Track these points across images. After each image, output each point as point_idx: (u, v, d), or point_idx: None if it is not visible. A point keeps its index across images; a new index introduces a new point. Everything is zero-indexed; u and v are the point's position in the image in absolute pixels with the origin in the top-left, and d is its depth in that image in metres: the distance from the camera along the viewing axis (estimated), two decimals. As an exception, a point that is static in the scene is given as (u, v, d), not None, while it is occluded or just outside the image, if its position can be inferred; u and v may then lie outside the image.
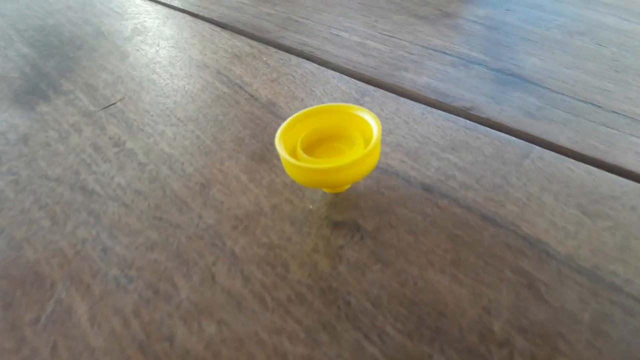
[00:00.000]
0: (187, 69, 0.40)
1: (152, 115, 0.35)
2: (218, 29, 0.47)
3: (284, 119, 0.35)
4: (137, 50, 0.42)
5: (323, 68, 0.41)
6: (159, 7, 0.50)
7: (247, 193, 0.29)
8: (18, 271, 0.25)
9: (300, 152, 0.27)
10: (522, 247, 0.26)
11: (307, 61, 0.42)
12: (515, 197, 0.29)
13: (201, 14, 0.50)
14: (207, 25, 0.47)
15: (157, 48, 0.42)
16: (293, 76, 0.40)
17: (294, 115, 0.29)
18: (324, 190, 0.30)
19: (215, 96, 0.37)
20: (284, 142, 0.27)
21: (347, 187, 0.30)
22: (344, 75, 0.41)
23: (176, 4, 0.51)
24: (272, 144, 0.33)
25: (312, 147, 0.29)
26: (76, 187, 0.29)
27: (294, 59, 0.43)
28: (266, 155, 0.32)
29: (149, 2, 0.51)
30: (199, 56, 0.42)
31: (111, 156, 0.31)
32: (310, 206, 0.28)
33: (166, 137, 0.33)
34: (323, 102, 0.37)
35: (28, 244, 0.26)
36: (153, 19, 0.47)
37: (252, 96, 0.38)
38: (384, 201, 0.29)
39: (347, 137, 0.30)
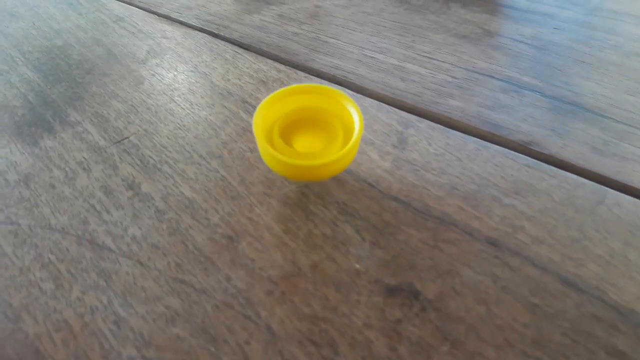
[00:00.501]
0: (208, 97, 0.35)
1: (170, 152, 0.30)
2: (241, 50, 0.42)
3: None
4: (153, 75, 0.38)
5: (359, 95, 0.37)
6: (176, 26, 0.46)
7: (281, 248, 0.24)
8: (15, 349, 0.20)
9: (276, 136, 0.26)
10: (613, 319, 0.21)
11: (340, 87, 0.38)
12: (595, 254, 0.24)
13: (222, 33, 0.45)
14: (228, 46, 0.43)
15: (175, 72, 0.38)
16: (326, 104, 0.36)
17: (277, 91, 0.28)
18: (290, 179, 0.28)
19: (240, 129, 0.33)
20: (262, 120, 0.26)
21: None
22: (382, 104, 0.36)
23: (194, 22, 0.47)
24: (308, 186, 0.28)
25: (290, 129, 0.28)
26: (84, 240, 0.25)
27: (326, 85, 0.38)
28: (301, 200, 0.27)
29: (164, 21, 0.47)
30: (221, 82, 0.37)
31: (124, 202, 0.27)
32: (357, 265, 0.23)
33: (187, 177, 0.29)
34: (363, 136, 0.32)
35: (27, 313, 0.21)
36: (169, 39, 0.43)
37: (282, 128, 0.33)
38: (444, 259, 0.24)
39: (327, 124, 0.28)
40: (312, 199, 0.28)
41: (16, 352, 0.20)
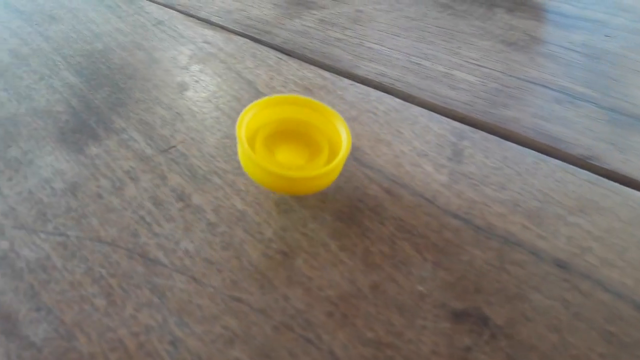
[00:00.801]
0: (262, 99, 0.34)
1: (219, 162, 0.29)
2: (284, 56, 0.41)
3: (370, 167, 0.29)
4: (197, 81, 0.37)
5: (407, 104, 0.36)
6: (216, 30, 0.45)
7: (338, 266, 0.23)
8: (67, 371, 0.19)
9: (259, 142, 0.26)
10: None
11: (388, 95, 0.37)
12: (675, 279, 0.23)
13: (264, 39, 0.44)
14: (271, 52, 0.42)
15: (219, 79, 0.37)
16: (375, 114, 0.35)
17: (264, 99, 0.27)
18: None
19: (289, 137, 0.32)
20: (246, 124, 0.26)
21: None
22: (433, 113, 0.35)
23: (234, 27, 0.46)
24: (362, 200, 0.27)
25: (274, 138, 0.27)
26: (135, 253, 0.24)
27: (373, 93, 0.37)
28: (356, 215, 0.26)
29: (204, 25, 0.46)
30: (266, 89, 0.36)
31: (175, 214, 0.26)
32: (420, 287, 0.22)
33: (237, 189, 0.28)
34: (413, 145, 0.31)
35: (80, 331, 0.21)
36: (211, 44, 0.42)
37: (332, 138, 0.32)
38: (511, 283, 0.23)
39: (313, 140, 0.28)
40: (367, 214, 0.26)
41: (71, 373, 0.20)
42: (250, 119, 0.26)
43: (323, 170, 0.24)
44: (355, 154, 0.31)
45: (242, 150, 0.24)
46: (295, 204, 0.27)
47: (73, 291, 0.22)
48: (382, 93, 0.37)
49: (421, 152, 0.31)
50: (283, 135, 0.28)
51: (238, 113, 0.34)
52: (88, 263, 0.24)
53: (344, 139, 0.26)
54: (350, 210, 0.27)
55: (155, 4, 0.53)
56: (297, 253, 0.24)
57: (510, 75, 0.40)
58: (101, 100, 0.35)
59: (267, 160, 0.26)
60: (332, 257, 0.24)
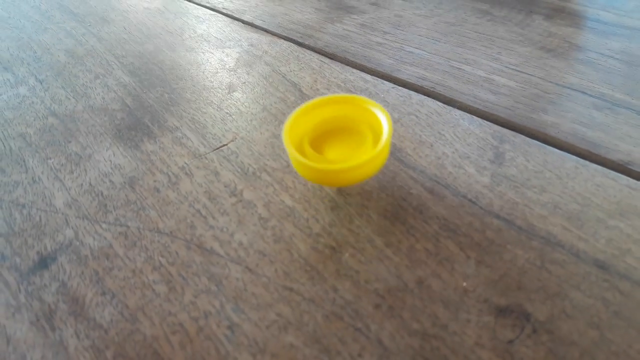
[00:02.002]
0: (300, 106, 0.36)
1: (268, 160, 0.31)
2: (327, 60, 0.43)
3: (413, 168, 0.30)
4: (244, 83, 0.38)
5: (449, 107, 0.37)
6: (261, 33, 0.47)
7: (384, 261, 0.24)
8: (135, 349, 0.21)
9: (307, 146, 0.27)
10: None
11: (429, 98, 0.38)
12: None
13: (306, 42, 0.46)
14: (314, 55, 0.43)
15: (265, 81, 0.39)
16: (417, 116, 0.36)
17: (303, 106, 0.28)
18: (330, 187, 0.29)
19: (333, 138, 0.33)
20: (290, 133, 0.27)
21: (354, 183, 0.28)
22: (474, 117, 0.36)
23: (278, 30, 0.48)
24: (406, 199, 0.28)
25: (320, 140, 0.28)
26: (192, 244, 0.25)
27: (415, 96, 0.38)
28: (400, 214, 0.27)
29: (249, 28, 0.48)
30: (310, 92, 0.38)
31: (228, 208, 0.27)
32: (464, 283, 0.23)
33: (285, 186, 0.29)
34: (455, 148, 0.32)
35: (144, 315, 0.22)
36: (256, 47, 0.44)
37: (375, 139, 0.33)
38: (552, 281, 0.23)
39: (356, 131, 0.29)
40: (411, 213, 0.27)
41: (136, 353, 0.21)
42: (291, 130, 0.27)
43: (369, 155, 0.25)
44: (398, 155, 0.32)
45: (292, 156, 0.26)
46: (341, 201, 0.28)
47: (135, 278, 0.24)
48: (424, 96, 0.38)
49: (463, 155, 0.32)
50: (327, 135, 0.29)
51: (284, 114, 0.36)
52: (148, 252, 0.25)
53: (384, 122, 0.27)
54: (395, 209, 0.28)
55: (202, 7, 0.55)
56: (344, 248, 0.25)
57: (550, 82, 0.41)
58: (154, 100, 0.37)
59: (318, 161, 0.27)
60: (378, 253, 0.25)
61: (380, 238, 0.26)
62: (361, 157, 0.25)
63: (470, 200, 0.28)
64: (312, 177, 0.26)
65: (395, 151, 0.32)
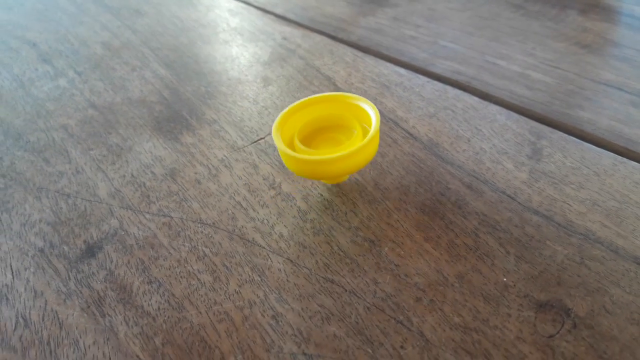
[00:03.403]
0: (289, 106, 0.36)
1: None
2: (360, 53, 0.43)
3: (451, 163, 0.30)
4: (279, 76, 0.39)
5: (485, 102, 0.37)
6: (293, 26, 0.47)
7: (424, 256, 0.25)
8: (183, 337, 0.21)
9: (297, 143, 0.27)
10: None
11: (465, 93, 0.38)
12: None
13: (339, 36, 0.46)
14: (348, 49, 0.44)
15: (299, 75, 0.39)
16: (453, 111, 0.36)
17: (292, 105, 0.29)
18: (324, 181, 0.29)
19: (369, 132, 0.33)
20: (281, 132, 0.27)
21: (345, 178, 0.29)
22: (511, 112, 0.36)
23: (310, 24, 0.48)
24: (444, 194, 0.28)
25: (310, 137, 0.29)
26: (235, 235, 0.26)
27: (450, 90, 0.38)
28: (439, 209, 0.27)
29: (282, 21, 0.48)
30: (344, 85, 0.38)
31: (268, 200, 0.28)
32: (505, 278, 0.23)
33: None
34: (493, 143, 0.32)
35: (190, 304, 0.23)
36: (289, 40, 0.44)
37: (411, 134, 0.33)
38: (591, 277, 0.23)
39: (345, 127, 0.29)
40: (450, 208, 0.28)
41: (184, 340, 0.22)
42: (283, 126, 0.28)
43: (354, 147, 0.25)
44: (435, 150, 0.32)
45: (282, 151, 0.26)
46: (378, 195, 0.29)
47: (180, 267, 0.25)
48: (459, 91, 0.38)
49: (501, 150, 0.32)
50: (317, 133, 0.30)
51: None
52: (192, 242, 0.26)
53: (372, 115, 0.27)
54: (433, 204, 0.28)
55: (234, 0, 0.55)
56: (383, 241, 0.26)
57: (586, 78, 0.41)
58: (191, 93, 0.38)
59: (306, 153, 0.27)
60: (417, 247, 0.26)
61: (420, 233, 0.26)
62: (349, 147, 0.26)
63: (509, 196, 0.28)
64: (302, 170, 0.26)
65: (432, 146, 0.32)
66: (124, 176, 0.30)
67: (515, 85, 0.39)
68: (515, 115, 0.35)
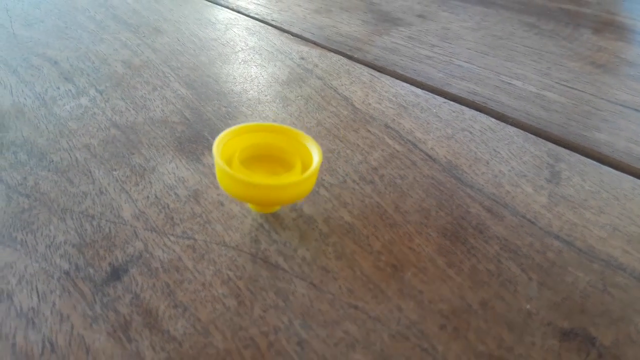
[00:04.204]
0: (352, 120, 0.37)
1: (324, 175, 0.31)
2: (377, 73, 0.43)
3: (470, 186, 0.31)
4: (297, 97, 0.39)
5: (502, 124, 0.37)
6: (310, 46, 0.48)
7: (447, 282, 0.25)
8: (207, 363, 0.22)
9: (236, 163, 0.27)
10: None
11: (481, 114, 0.38)
12: None
13: (356, 55, 0.46)
14: (364, 68, 0.44)
15: (318, 96, 0.39)
16: (470, 132, 0.36)
17: (237, 126, 0.29)
18: (251, 207, 0.30)
19: (388, 155, 0.34)
20: (223, 149, 0.27)
21: (275, 209, 0.29)
22: (528, 134, 0.36)
23: (326, 43, 0.48)
24: (465, 218, 0.28)
25: (249, 162, 0.29)
26: (258, 258, 0.26)
27: (467, 111, 0.38)
28: (460, 233, 0.27)
29: (298, 40, 0.49)
30: (362, 106, 0.38)
31: (289, 223, 0.28)
32: (528, 306, 0.24)
33: (343, 201, 0.30)
34: (512, 166, 0.32)
35: (216, 329, 0.23)
36: (307, 60, 0.45)
37: (429, 156, 0.33)
38: (615, 305, 0.23)
39: (286, 161, 0.29)
40: (471, 232, 0.28)
41: (211, 366, 0.22)
42: (224, 145, 0.28)
43: (294, 178, 0.26)
44: (454, 172, 0.32)
45: (219, 168, 0.26)
46: (399, 218, 0.29)
47: (205, 291, 0.25)
48: (476, 112, 0.39)
49: (519, 173, 0.32)
50: (258, 159, 0.30)
51: (339, 129, 0.37)
52: (216, 265, 0.26)
53: (315, 156, 0.28)
54: (454, 228, 0.28)
55: (251, 19, 0.56)
56: (406, 267, 0.26)
57: (602, 98, 0.41)
58: (212, 113, 0.38)
59: (244, 174, 0.27)
60: (440, 273, 0.26)
61: (442, 258, 0.26)
62: (288, 179, 0.26)
63: (529, 220, 0.29)
64: (235, 191, 0.26)
65: (451, 168, 0.32)
66: (148, 197, 0.30)
67: (531, 106, 0.39)
68: (532, 137, 0.35)
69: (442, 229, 0.28)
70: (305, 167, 0.28)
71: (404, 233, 0.28)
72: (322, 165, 0.33)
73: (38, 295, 0.25)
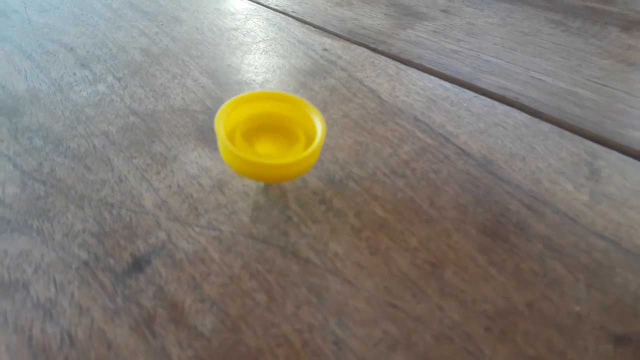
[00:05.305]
0: (380, 113, 0.35)
1: (353, 167, 0.30)
2: (403, 66, 0.42)
3: (508, 182, 0.29)
4: (323, 87, 0.38)
5: (536, 119, 0.35)
6: (333, 38, 0.46)
7: (490, 281, 0.23)
8: (238, 362, 0.20)
9: (239, 136, 0.26)
10: None
11: (514, 109, 0.36)
12: None
13: (380, 48, 0.45)
14: (390, 61, 0.43)
15: (344, 88, 0.38)
16: (504, 127, 0.34)
17: (240, 96, 0.28)
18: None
19: (419, 148, 0.32)
20: (225, 120, 0.26)
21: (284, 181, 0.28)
22: (563, 130, 0.34)
23: (349, 35, 0.47)
24: (504, 215, 0.27)
25: (252, 132, 0.28)
26: (288, 252, 0.24)
27: (499, 106, 0.37)
28: (500, 231, 0.26)
29: (321, 32, 0.47)
30: (389, 98, 0.37)
31: (319, 216, 0.26)
32: (577, 308, 0.22)
33: (374, 195, 0.28)
34: (549, 162, 0.31)
35: (246, 325, 0.21)
36: (330, 52, 0.43)
37: (463, 150, 0.32)
38: (671, 309, 0.22)
39: (290, 132, 0.28)
40: (512, 230, 0.26)
41: (242, 365, 0.20)
42: (228, 116, 0.27)
43: (298, 156, 0.25)
44: (490, 168, 0.31)
45: (221, 142, 0.25)
46: (435, 214, 0.27)
47: (233, 285, 0.23)
48: (508, 107, 0.37)
49: (557, 170, 0.30)
50: (261, 129, 0.29)
51: (366, 121, 0.35)
52: (244, 258, 0.25)
53: (319, 128, 0.26)
54: (494, 225, 0.27)
55: (271, 10, 0.54)
56: (445, 264, 0.24)
57: (635, 96, 0.39)
58: (234, 102, 0.37)
59: (246, 151, 0.26)
60: (481, 272, 0.24)
61: (483, 256, 0.25)
62: (291, 157, 0.25)
63: (571, 218, 0.27)
64: (238, 168, 0.25)
65: (486, 163, 0.31)
66: (170, 186, 0.28)
67: (564, 102, 0.38)
68: (568, 134, 0.34)
69: (481, 226, 0.26)
70: (308, 137, 0.27)
71: (441, 229, 0.26)
72: (350, 158, 0.31)
73: (55, 286, 0.23)
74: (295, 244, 0.25)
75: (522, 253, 0.25)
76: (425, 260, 0.25)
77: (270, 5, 0.56)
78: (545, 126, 0.35)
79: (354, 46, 0.46)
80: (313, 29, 0.50)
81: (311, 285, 0.23)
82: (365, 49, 0.45)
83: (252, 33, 0.48)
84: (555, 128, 0.35)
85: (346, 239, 0.26)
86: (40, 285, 0.23)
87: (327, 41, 0.47)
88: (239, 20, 0.51)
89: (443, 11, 0.56)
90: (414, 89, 0.39)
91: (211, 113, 0.35)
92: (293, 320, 0.22)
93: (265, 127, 0.29)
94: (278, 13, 0.53)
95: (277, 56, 0.43)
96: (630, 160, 0.32)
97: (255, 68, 0.41)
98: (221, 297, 0.23)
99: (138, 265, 0.24)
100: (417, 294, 0.23)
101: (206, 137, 0.33)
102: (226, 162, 0.26)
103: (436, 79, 0.41)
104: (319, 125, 0.26)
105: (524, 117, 0.36)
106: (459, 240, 0.26)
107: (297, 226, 0.26)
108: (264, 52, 0.44)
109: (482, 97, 0.38)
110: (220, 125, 0.26)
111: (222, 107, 0.27)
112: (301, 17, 0.52)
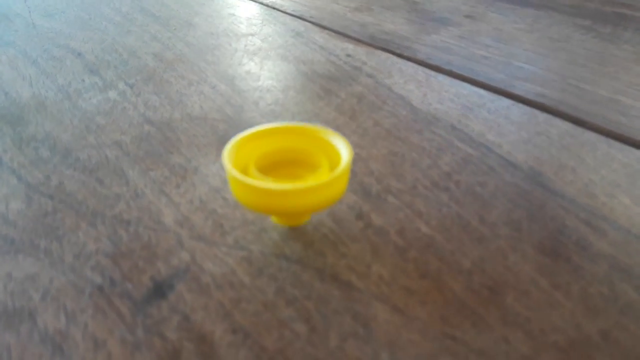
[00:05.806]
0: (413, 121, 0.32)
1: (390, 180, 0.27)
2: (432, 72, 0.39)
3: (561, 196, 0.26)
4: (349, 95, 0.35)
5: (580, 128, 0.33)
6: (355, 43, 0.44)
7: (556, 307, 0.20)
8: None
9: (253, 170, 0.23)
10: None
11: (556, 118, 0.34)
12: None
13: (405, 53, 0.42)
14: (417, 67, 0.40)
15: (372, 95, 0.35)
16: (548, 137, 0.32)
17: (248, 132, 0.24)
18: (274, 221, 0.25)
19: (460, 159, 0.29)
20: (235, 158, 0.23)
21: (305, 220, 0.25)
22: (611, 140, 0.31)
23: (371, 41, 0.44)
24: (562, 232, 0.24)
25: (268, 169, 0.25)
26: (326, 275, 0.22)
27: (539, 114, 0.34)
28: (560, 249, 0.23)
29: (342, 38, 0.45)
30: (421, 105, 0.34)
31: (358, 233, 0.24)
32: (661, 340, 0.19)
33: (417, 210, 0.25)
34: (601, 174, 0.28)
35: (285, 362, 0.18)
36: (354, 58, 0.41)
37: (508, 161, 0.29)
38: None
39: (310, 163, 0.25)
40: (573, 249, 0.23)
41: (285, 409, 0.17)
42: (237, 153, 0.23)
43: (323, 179, 0.21)
44: (539, 180, 0.28)
45: (231, 177, 0.22)
46: (487, 232, 0.24)
47: (268, 313, 0.20)
48: (550, 115, 0.34)
49: (612, 182, 0.28)
50: (277, 165, 0.25)
51: (399, 130, 0.32)
52: (278, 283, 0.22)
53: (343, 152, 0.23)
54: (553, 244, 0.24)
55: (288, 15, 0.52)
56: (504, 289, 0.22)
57: (684, 104, 0.37)
58: (256, 110, 0.34)
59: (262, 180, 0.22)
60: (546, 297, 0.21)
61: (545, 278, 0.22)
62: (314, 180, 0.22)
63: (635, 235, 0.24)
64: (254, 201, 0.22)
65: (535, 175, 0.28)
66: (192, 201, 0.26)
67: (607, 110, 0.35)
68: (616, 144, 0.31)
69: (539, 245, 0.24)
70: (333, 165, 0.24)
71: (496, 249, 0.23)
72: (386, 169, 0.28)
73: (66, 315, 0.20)
74: (334, 265, 0.22)
75: (587, 275, 0.22)
76: (482, 284, 0.22)
77: (287, 11, 0.53)
78: (591, 135, 0.32)
79: (378, 52, 0.43)
80: (333, 34, 0.47)
81: (356, 313, 0.20)
82: (391, 55, 0.43)
83: (269, 38, 0.46)
84: (602, 137, 0.32)
85: (390, 260, 0.23)
86: (48, 314, 0.20)
87: (350, 46, 0.44)
88: (255, 26, 0.48)
89: (467, 17, 0.53)
90: (447, 96, 0.36)
91: (232, 122, 0.32)
92: (339, 355, 0.19)
93: (283, 163, 0.26)
94: (295, 18, 0.51)
95: (297, 62, 0.41)
96: (689, 172, 0.29)
97: (276, 74, 0.39)
98: (255, 328, 0.20)
99: (160, 290, 0.21)
100: (477, 323, 0.20)
101: (228, 147, 0.30)
102: (241, 201, 0.22)
103: (469, 85, 0.38)
104: (342, 147, 0.23)
105: (567, 126, 0.33)
106: (517, 261, 0.23)
107: (334, 245, 0.23)
108: (283, 58, 0.41)
109: (520, 104, 0.35)
110: (229, 161, 0.22)
111: (229, 144, 0.23)
112: (320, 23, 0.50)
